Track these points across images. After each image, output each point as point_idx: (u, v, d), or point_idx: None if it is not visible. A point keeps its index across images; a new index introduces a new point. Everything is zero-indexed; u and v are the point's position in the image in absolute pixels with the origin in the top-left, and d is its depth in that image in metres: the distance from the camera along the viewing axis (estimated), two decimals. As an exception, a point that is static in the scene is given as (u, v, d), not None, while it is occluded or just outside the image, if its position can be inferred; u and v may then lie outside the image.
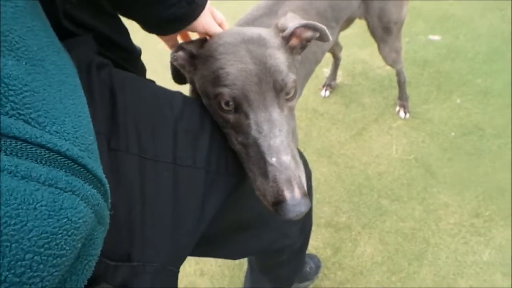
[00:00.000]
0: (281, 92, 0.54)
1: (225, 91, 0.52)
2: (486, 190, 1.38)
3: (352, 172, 1.48)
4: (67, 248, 0.26)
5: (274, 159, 0.49)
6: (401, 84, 1.57)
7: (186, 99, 0.58)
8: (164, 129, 0.51)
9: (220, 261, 1.30)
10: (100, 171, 0.33)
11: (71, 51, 0.43)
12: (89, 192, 0.30)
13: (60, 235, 0.26)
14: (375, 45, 1.36)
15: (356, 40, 1.90)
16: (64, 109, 0.32)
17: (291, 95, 0.56)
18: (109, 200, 0.34)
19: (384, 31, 1.23)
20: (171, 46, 0.67)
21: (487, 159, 1.45)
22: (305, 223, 0.84)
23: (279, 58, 0.55)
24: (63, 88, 0.33)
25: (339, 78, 1.81)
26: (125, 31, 0.63)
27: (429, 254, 1.26)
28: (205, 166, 0.53)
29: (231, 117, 0.54)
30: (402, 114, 1.61)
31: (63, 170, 0.28)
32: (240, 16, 0.90)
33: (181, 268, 0.53)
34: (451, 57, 1.81)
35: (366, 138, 1.58)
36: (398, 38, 1.30)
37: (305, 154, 0.78)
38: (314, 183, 1.28)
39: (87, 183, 0.30)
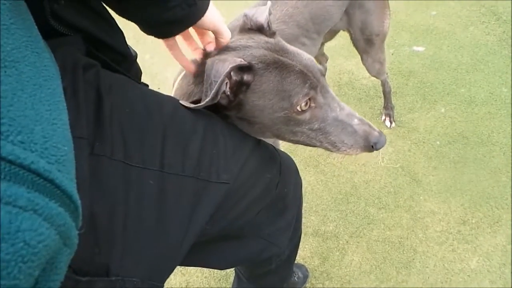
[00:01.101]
0: (325, 75, 0.65)
1: (303, 93, 0.59)
2: (472, 197, 1.39)
3: (339, 181, 1.48)
4: (21, 277, 0.23)
5: (355, 120, 0.64)
6: (386, 94, 1.60)
7: (178, 103, 0.56)
8: (152, 134, 0.49)
9: (206, 272, 1.29)
10: (71, 186, 0.30)
11: (56, 50, 0.41)
12: (54, 211, 0.26)
13: (13, 263, 0.22)
14: (359, 56, 1.38)
15: (342, 51, 1.94)
16: (35, 116, 0.29)
17: None
18: (80, 218, 0.31)
19: (366, 43, 1.25)
20: (169, 46, 0.64)
21: (472, 167, 1.47)
22: (295, 231, 0.83)
23: (301, 51, 0.63)
24: (38, 92, 0.31)
25: (326, 89, 1.83)
26: (118, 34, 0.61)
27: (417, 262, 1.26)
28: (194, 174, 0.51)
29: (307, 114, 0.61)
30: (388, 123, 1.63)
31: (25, 185, 0.25)
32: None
33: (166, 280, 0.51)
34: (435, 67, 1.85)
35: (353, 147, 1.59)
36: (381, 49, 1.32)
37: (288, 161, 0.79)
38: (301, 192, 1.29)
39: (53, 200, 0.27)
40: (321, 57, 1.66)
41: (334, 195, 1.45)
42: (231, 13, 1.27)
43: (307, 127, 0.63)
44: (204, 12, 0.56)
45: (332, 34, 1.29)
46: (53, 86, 0.34)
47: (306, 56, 0.63)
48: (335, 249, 1.31)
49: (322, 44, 1.42)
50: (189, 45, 0.67)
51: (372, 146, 0.64)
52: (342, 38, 1.41)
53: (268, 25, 0.64)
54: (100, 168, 0.43)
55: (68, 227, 0.28)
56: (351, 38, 1.27)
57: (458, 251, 1.27)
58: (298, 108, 0.60)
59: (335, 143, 0.65)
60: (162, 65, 1.86)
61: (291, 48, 0.63)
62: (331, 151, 0.66)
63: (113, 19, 0.58)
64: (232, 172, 0.56)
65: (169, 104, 0.54)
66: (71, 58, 0.46)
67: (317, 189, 1.47)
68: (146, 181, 0.46)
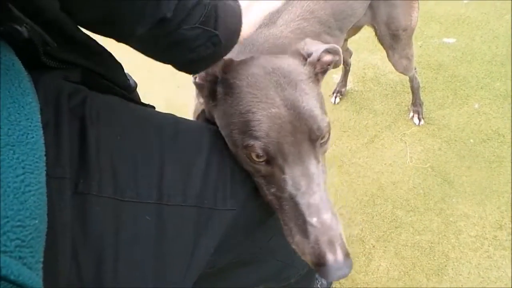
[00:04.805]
0: (317, 141, 0.49)
1: (257, 144, 0.47)
2: (509, 200, 1.30)
3: (365, 182, 1.42)
4: None
5: (314, 219, 0.45)
6: (414, 90, 1.51)
7: (180, 122, 0.52)
8: (149, 162, 0.44)
9: None
10: (30, 278, 0.25)
11: (40, 79, 0.38)
12: None
13: None
14: (385, 50, 1.31)
15: (366, 45, 1.86)
16: None
17: (325, 139, 0.51)
18: None
19: (392, 39, 1.18)
20: None
21: (508, 166, 1.37)
22: None
23: (312, 98, 0.50)
24: (7, 157, 0.27)
25: (350, 84, 1.77)
26: (116, 67, 0.56)
27: (449, 269, 1.19)
28: (197, 202, 0.46)
29: (262, 168, 0.49)
30: (416, 120, 1.55)
31: None
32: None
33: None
34: (467, 60, 1.74)
35: (379, 146, 1.52)
36: (408, 45, 1.24)
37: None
38: (324, 195, 1.25)
39: None
40: (344, 53, 1.59)
41: (359, 197, 1.39)
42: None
43: (264, 181, 0.50)
44: (232, 46, 0.50)
45: (355, 29, 1.23)
46: (33, 140, 0.29)
47: (305, 106, 0.48)
48: (361, 254, 1.26)
49: (345, 40, 1.35)
50: None
51: (315, 266, 0.46)
52: (367, 31, 1.34)
53: (316, 56, 0.56)
54: (85, 209, 0.39)
55: None
56: (376, 33, 1.20)
57: (494, 257, 1.19)
58: (251, 155, 0.48)
59: (284, 224, 0.49)
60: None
61: (299, 87, 0.51)
62: (285, 235, 0.49)
63: (110, 54, 0.54)
64: (239, 197, 0.50)
65: (170, 126, 0.49)
66: (55, 86, 0.42)
67: (341, 191, 1.42)
68: (141, 218, 0.42)
